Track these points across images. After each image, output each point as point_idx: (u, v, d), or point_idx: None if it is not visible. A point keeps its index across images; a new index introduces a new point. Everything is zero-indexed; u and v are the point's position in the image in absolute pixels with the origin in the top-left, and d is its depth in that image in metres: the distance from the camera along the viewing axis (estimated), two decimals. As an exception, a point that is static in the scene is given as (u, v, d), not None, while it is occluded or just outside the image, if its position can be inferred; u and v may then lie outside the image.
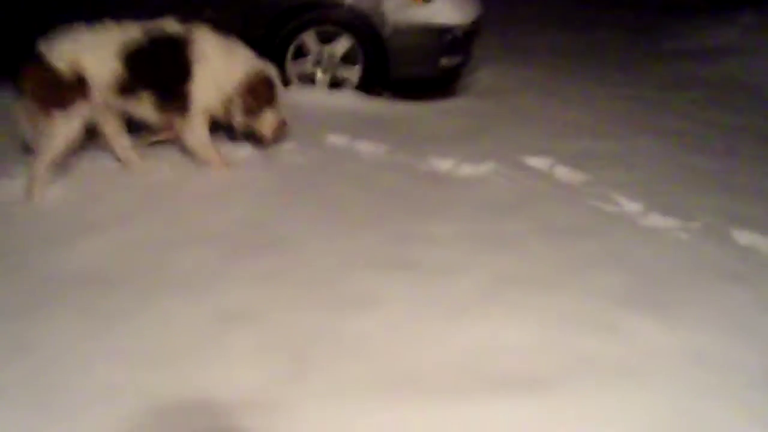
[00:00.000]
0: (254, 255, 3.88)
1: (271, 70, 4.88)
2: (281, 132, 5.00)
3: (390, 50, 6.15)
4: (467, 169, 5.03)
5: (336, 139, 5.41)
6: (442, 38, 6.06)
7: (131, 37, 4.51)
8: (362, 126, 5.64)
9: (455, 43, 6.19)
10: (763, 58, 8.93)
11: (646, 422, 3.02)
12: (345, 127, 5.57)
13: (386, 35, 6.12)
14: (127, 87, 4.53)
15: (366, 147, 5.29)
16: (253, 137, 5.03)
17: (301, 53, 6.33)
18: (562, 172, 5.15)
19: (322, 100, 6.15)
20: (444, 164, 5.07)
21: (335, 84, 6.45)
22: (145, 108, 4.68)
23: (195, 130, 4.80)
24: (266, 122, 4.87)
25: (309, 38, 6.26)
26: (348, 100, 6.25)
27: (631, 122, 6.47)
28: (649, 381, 3.25)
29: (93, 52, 4.41)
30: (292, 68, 6.36)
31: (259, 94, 4.79)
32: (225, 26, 4.87)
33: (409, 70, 6.22)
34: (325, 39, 6.30)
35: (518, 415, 2.94)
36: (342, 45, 6.27)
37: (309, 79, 6.42)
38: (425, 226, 4.30)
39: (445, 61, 6.23)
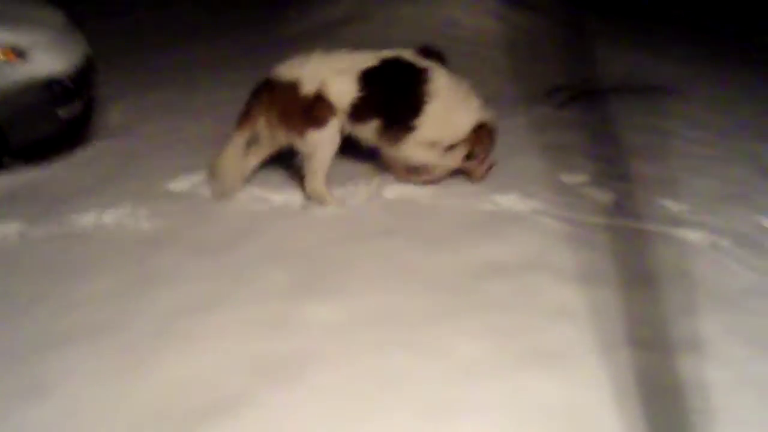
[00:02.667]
0: None
1: (493, 118, 5.05)
2: (488, 174, 5.16)
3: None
4: (110, 216, 4.78)
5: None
6: (52, 90, 5.68)
7: (370, 64, 4.72)
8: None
9: (68, 91, 5.83)
10: (378, 22, 9.47)
11: (347, 392, 3.16)
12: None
13: (-11, 105, 5.64)
14: (361, 112, 4.73)
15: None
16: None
17: None
18: (207, 187, 5.09)
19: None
20: (86, 219, 4.76)
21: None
22: (370, 133, 4.87)
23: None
24: (483, 167, 5.11)
25: None
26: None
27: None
28: (339, 358, 3.37)
29: (337, 77, 4.66)
30: None
31: (484, 143, 5.01)
32: None
33: (29, 133, 5.72)
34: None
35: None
36: (-57, 130, 5.65)
37: None
38: (80, 290, 4.03)
39: (64, 112, 5.85)
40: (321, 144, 4.72)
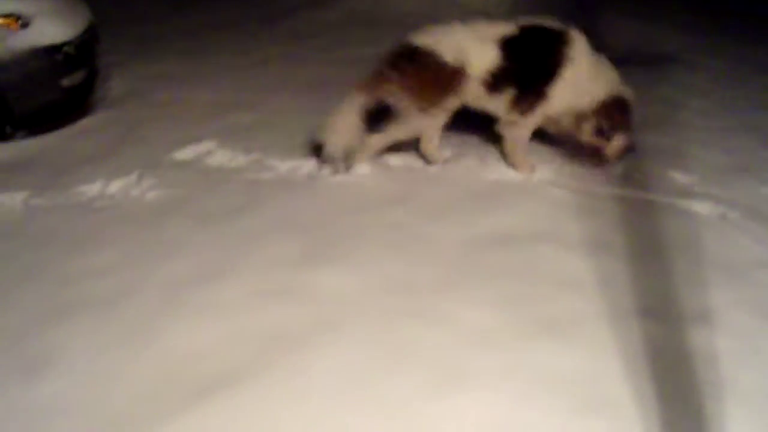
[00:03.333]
0: None
1: (630, 95, 4.78)
2: (623, 155, 4.88)
3: (2, 87, 5.64)
4: (116, 186, 4.77)
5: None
6: (54, 58, 5.65)
7: (509, 33, 4.60)
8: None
9: (71, 59, 5.79)
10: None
11: (359, 362, 3.15)
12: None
13: (-9, 73, 5.58)
14: (497, 82, 4.60)
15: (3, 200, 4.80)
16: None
17: None
18: (213, 156, 5.08)
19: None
20: (91, 189, 4.76)
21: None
22: (501, 103, 4.72)
23: (523, 130, 4.80)
24: (614, 145, 4.78)
25: None
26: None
27: (271, 83, 6.49)
28: (350, 327, 3.36)
29: (477, 48, 4.54)
30: None
31: (614, 117, 4.71)
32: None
33: (32, 102, 5.70)
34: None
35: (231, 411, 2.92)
36: (-55, 100, 5.59)
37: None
38: (85, 261, 4.01)
39: (67, 81, 5.81)
40: (428, 119, 4.68)
